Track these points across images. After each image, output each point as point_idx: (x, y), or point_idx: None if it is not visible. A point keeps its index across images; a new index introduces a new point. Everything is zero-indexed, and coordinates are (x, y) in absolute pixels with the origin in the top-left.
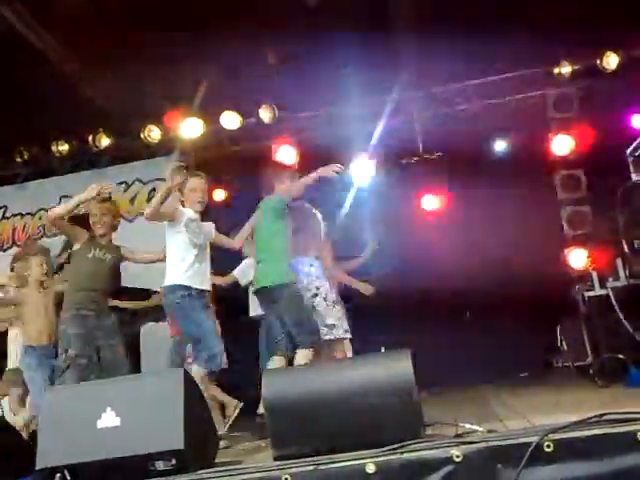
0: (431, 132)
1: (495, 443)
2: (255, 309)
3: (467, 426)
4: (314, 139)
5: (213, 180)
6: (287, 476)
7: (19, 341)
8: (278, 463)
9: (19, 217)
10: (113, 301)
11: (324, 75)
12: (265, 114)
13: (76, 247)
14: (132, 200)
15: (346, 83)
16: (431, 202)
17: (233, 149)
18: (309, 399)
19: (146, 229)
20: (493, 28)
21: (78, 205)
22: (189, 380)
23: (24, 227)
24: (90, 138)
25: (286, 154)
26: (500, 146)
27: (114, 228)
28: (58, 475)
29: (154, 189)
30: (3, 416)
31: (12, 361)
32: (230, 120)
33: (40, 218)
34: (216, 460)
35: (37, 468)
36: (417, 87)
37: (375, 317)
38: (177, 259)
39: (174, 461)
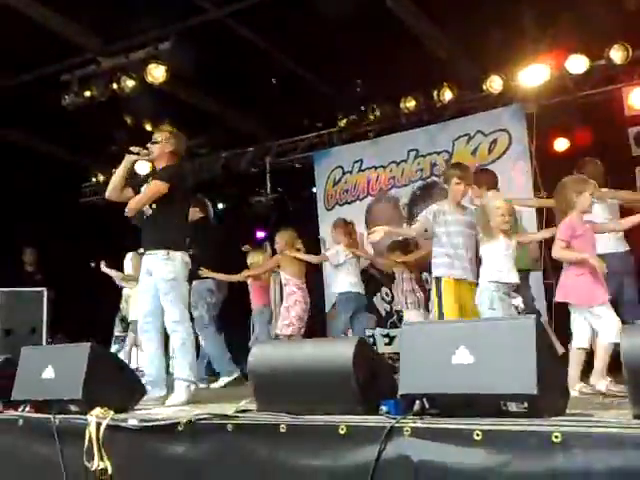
0: None
1: None
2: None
3: None
4: None
5: (555, 129)
6: None
7: None
8: (639, 422)
9: (373, 169)
10: None
11: None
12: (617, 54)
13: None
14: (474, 152)
15: None
16: None
17: (579, 95)
18: None
19: None
20: None
21: None
22: (541, 329)
23: (377, 179)
24: (435, 93)
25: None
26: None
27: None
28: (417, 402)
29: (495, 140)
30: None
31: None
32: (577, 64)
33: (391, 170)
34: (567, 411)
35: (400, 394)
36: None
37: None
38: None
39: (526, 404)
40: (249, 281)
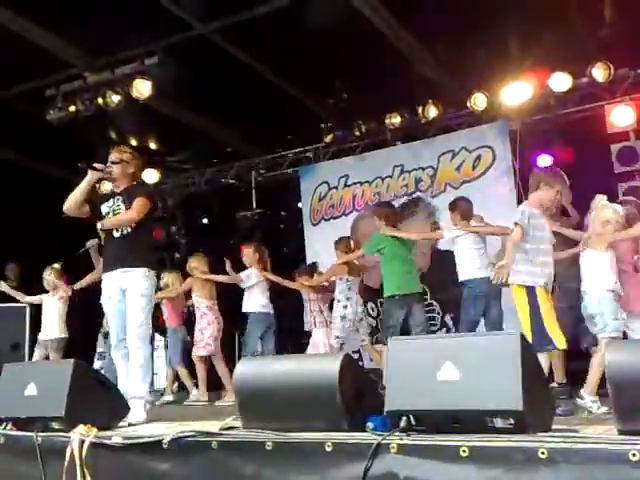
0: None
1: None
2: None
3: None
4: None
5: (538, 146)
6: (635, 452)
7: None
8: (624, 437)
9: (358, 185)
10: None
11: None
12: (599, 72)
13: None
14: (458, 168)
15: None
16: None
17: (562, 112)
18: None
19: (470, 197)
20: None
21: None
22: (525, 345)
23: (362, 194)
24: (420, 110)
25: (622, 115)
26: None
27: None
28: (404, 418)
29: (479, 157)
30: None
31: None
32: (559, 81)
33: (376, 186)
34: (553, 426)
35: (386, 410)
36: None
37: None
38: None
39: (512, 420)
40: (163, 302)
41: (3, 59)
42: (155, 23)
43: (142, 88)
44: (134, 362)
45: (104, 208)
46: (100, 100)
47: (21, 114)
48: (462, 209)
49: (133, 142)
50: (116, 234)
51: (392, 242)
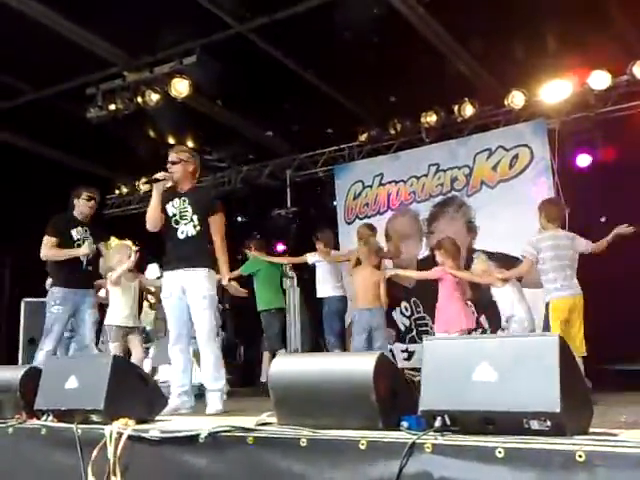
0: None
1: None
2: None
3: None
4: None
5: (577, 145)
6: None
7: None
8: None
9: (393, 184)
10: None
11: None
12: (639, 70)
13: None
14: (494, 167)
15: None
16: None
17: (602, 111)
18: None
19: (506, 196)
20: None
21: None
22: (564, 347)
23: (397, 193)
24: (456, 108)
25: None
26: None
27: None
28: (439, 418)
29: (516, 156)
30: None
31: None
32: (599, 80)
33: (411, 185)
34: (591, 429)
35: (421, 410)
36: None
37: None
38: None
39: (549, 423)
40: None
41: (44, 58)
42: (193, 22)
43: (180, 87)
44: (205, 359)
45: (170, 209)
46: (139, 99)
47: (62, 112)
48: (325, 240)
49: (170, 140)
50: (181, 235)
51: (267, 266)
